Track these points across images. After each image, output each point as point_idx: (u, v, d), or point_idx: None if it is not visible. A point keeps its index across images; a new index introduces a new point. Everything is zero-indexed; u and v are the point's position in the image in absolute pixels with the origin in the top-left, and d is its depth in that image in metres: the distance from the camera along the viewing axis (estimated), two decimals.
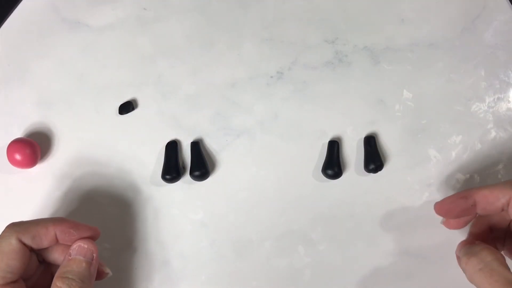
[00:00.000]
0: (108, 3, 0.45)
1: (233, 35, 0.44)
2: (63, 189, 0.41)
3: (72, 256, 0.33)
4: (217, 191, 0.41)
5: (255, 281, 0.39)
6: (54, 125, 0.42)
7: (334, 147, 0.41)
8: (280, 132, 0.42)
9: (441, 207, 0.36)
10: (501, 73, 0.43)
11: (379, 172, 0.41)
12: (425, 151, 0.41)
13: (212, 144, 0.42)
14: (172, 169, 0.40)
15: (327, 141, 0.42)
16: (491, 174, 0.41)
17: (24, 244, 0.32)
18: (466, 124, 0.42)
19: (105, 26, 0.44)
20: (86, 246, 0.33)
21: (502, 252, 0.36)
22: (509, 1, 0.45)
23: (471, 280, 0.31)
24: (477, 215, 0.35)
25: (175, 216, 0.40)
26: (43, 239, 0.33)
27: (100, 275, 0.35)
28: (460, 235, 0.39)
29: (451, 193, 0.40)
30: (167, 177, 0.40)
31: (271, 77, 0.43)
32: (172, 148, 0.41)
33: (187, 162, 0.41)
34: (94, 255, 0.33)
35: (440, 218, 0.37)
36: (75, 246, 0.33)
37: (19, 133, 0.42)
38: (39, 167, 0.41)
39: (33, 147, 0.40)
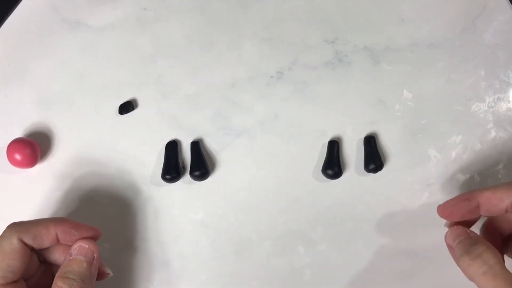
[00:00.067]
0: (108, 3, 0.45)
1: (233, 35, 0.44)
2: (63, 189, 0.41)
3: (73, 256, 0.33)
4: (217, 191, 0.41)
5: (255, 281, 0.39)
6: (54, 125, 0.42)
7: (334, 147, 0.41)
8: (280, 132, 0.42)
9: (444, 210, 0.35)
10: (501, 73, 0.43)
11: (379, 172, 0.41)
12: (425, 151, 0.41)
13: (212, 144, 0.42)
14: (172, 169, 0.40)
15: (327, 141, 0.42)
16: (491, 174, 0.41)
17: (25, 244, 0.32)
18: (466, 124, 0.42)
19: (105, 26, 0.44)
20: (87, 246, 0.33)
21: (506, 255, 0.36)
22: (509, 1, 0.45)
23: (471, 279, 0.31)
24: (481, 216, 0.35)
25: (175, 216, 0.40)
26: (44, 239, 0.33)
27: (100, 275, 0.35)
28: None
29: (451, 193, 0.40)
30: (167, 177, 0.40)
31: (271, 77, 0.43)
32: (172, 148, 0.41)
33: (187, 162, 0.41)
34: (95, 255, 0.33)
35: (443, 220, 0.36)
36: (76, 246, 0.33)
37: (19, 133, 0.42)
38: (39, 167, 0.41)
39: (33, 147, 0.40)
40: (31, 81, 0.43)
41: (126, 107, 0.42)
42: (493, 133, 0.42)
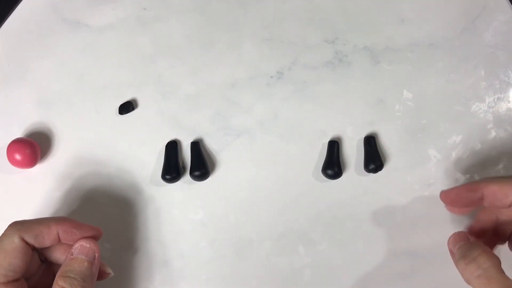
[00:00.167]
0: (108, 3, 0.45)
1: (233, 35, 0.44)
2: (63, 189, 0.41)
3: (74, 255, 0.33)
4: (217, 191, 0.41)
5: (255, 281, 0.39)
6: (54, 125, 0.42)
7: (334, 147, 0.41)
8: (280, 132, 0.42)
9: (446, 196, 0.36)
10: (501, 73, 0.43)
11: (379, 172, 0.41)
12: (425, 151, 0.41)
13: (212, 144, 0.42)
14: (172, 169, 0.40)
15: (327, 141, 0.42)
16: (491, 174, 0.41)
17: (27, 243, 0.32)
18: (466, 124, 0.42)
19: (105, 26, 0.44)
20: (88, 245, 0.33)
21: (506, 244, 0.36)
22: (509, 1, 0.45)
23: (467, 283, 0.32)
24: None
25: (175, 216, 0.40)
26: (46, 238, 0.33)
27: (101, 275, 0.35)
28: None
29: None
30: (167, 177, 0.40)
31: (271, 77, 0.43)
32: (172, 148, 0.41)
33: (187, 162, 0.41)
34: (96, 254, 0.33)
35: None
36: (77, 245, 0.33)
37: (19, 133, 0.42)
38: (39, 167, 0.41)
39: (33, 147, 0.40)
40: (31, 81, 0.43)
41: (126, 107, 0.42)
42: (493, 133, 0.42)
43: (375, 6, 0.45)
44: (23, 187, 0.41)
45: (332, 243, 0.40)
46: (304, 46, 0.44)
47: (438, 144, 0.42)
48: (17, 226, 0.32)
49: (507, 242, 0.36)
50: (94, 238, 0.34)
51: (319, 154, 0.42)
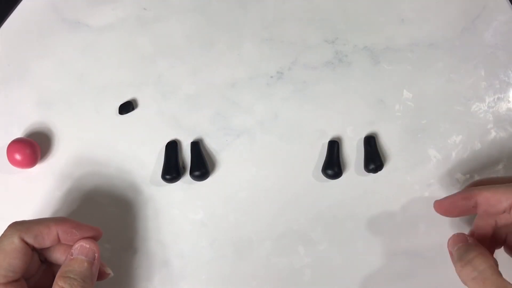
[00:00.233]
0: (108, 3, 0.45)
1: (233, 35, 0.44)
2: (63, 189, 0.41)
3: (74, 255, 0.33)
4: (217, 191, 0.41)
5: (255, 281, 0.39)
6: (54, 125, 0.42)
7: (334, 147, 0.41)
8: (280, 132, 0.42)
9: (440, 206, 0.36)
10: (501, 73, 0.43)
11: (379, 172, 0.41)
12: (425, 151, 0.41)
13: (212, 144, 0.42)
14: (172, 169, 0.40)
15: (327, 141, 0.42)
16: (491, 174, 0.41)
17: (26, 243, 0.32)
18: (466, 124, 0.42)
19: (105, 26, 0.44)
20: (88, 246, 0.33)
21: (503, 248, 0.36)
22: (509, 1, 0.45)
23: (465, 284, 0.32)
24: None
25: (175, 216, 0.40)
26: (45, 239, 0.33)
27: (101, 275, 0.35)
28: None
29: (451, 193, 0.40)
30: (167, 177, 0.40)
31: (271, 77, 0.43)
32: (172, 148, 0.41)
33: (187, 162, 0.41)
34: (96, 255, 0.33)
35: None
36: (77, 245, 0.33)
37: (19, 133, 0.42)
38: (39, 167, 0.41)
39: (33, 147, 0.40)
40: (31, 81, 0.43)
41: (126, 107, 0.42)
42: (493, 133, 0.42)
43: (375, 6, 0.45)
44: (23, 187, 0.41)
45: (332, 243, 0.40)
46: (304, 46, 0.44)
47: (438, 144, 0.42)
48: (17, 226, 0.32)
49: (503, 246, 0.36)
50: (94, 238, 0.34)
51: (319, 154, 0.42)
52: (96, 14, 0.44)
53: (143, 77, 0.43)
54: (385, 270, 0.39)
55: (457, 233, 0.35)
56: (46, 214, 0.40)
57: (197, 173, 0.40)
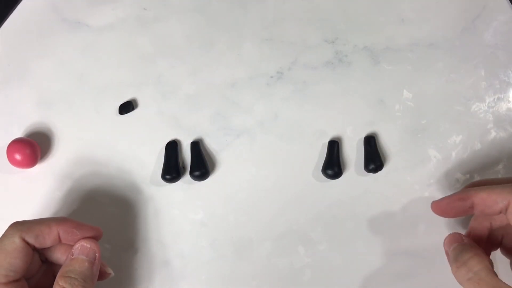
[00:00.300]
0: (108, 3, 0.45)
1: (233, 35, 0.44)
2: (63, 189, 0.41)
3: (75, 255, 0.33)
4: (217, 191, 0.41)
5: (255, 281, 0.39)
6: (54, 125, 0.42)
7: (334, 147, 0.41)
8: (280, 132, 0.42)
9: (437, 207, 0.36)
10: (501, 73, 0.43)
11: (379, 172, 0.41)
12: (425, 151, 0.41)
13: (212, 144, 0.42)
14: (172, 169, 0.40)
15: (327, 141, 0.42)
16: (491, 174, 0.41)
17: (27, 243, 0.32)
18: (466, 124, 0.42)
19: (105, 26, 0.44)
20: (88, 245, 0.33)
21: (499, 249, 0.36)
22: (509, 1, 0.45)
23: (461, 285, 0.32)
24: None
25: (175, 216, 0.40)
26: (46, 238, 0.33)
27: (102, 275, 0.35)
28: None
29: (451, 193, 0.40)
30: (167, 177, 0.40)
31: (271, 77, 0.43)
32: (172, 148, 0.41)
33: (187, 162, 0.41)
34: (97, 254, 0.33)
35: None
36: (77, 245, 0.33)
37: (19, 133, 0.42)
38: (39, 167, 0.41)
39: (33, 147, 0.40)
40: (31, 81, 0.43)
41: (126, 107, 0.42)
42: (493, 133, 0.42)
43: (375, 6, 0.45)
44: (23, 187, 0.41)
45: (332, 243, 0.40)
46: (304, 46, 0.44)
47: (438, 144, 0.42)
48: (18, 226, 0.32)
49: (499, 247, 0.36)
50: (95, 238, 0.34)
51: (319, 154, 0.42)
52: (96, 14, 0.44)
53: (143, 77, 0.43)
54: (385, 270, 0.39)
55: (453, 233, 0.35)
56: (46, 214, 0.40)
57: (197, 173, 0.40)
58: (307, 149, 0.42)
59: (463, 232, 0.37)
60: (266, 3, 0.45)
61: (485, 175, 0.41)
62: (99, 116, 0.42)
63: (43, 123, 0.42)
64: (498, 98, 0.43)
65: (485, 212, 0.34)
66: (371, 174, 0.41)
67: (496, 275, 0.31)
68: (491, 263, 0.32)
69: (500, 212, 0.33)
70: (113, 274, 0.36)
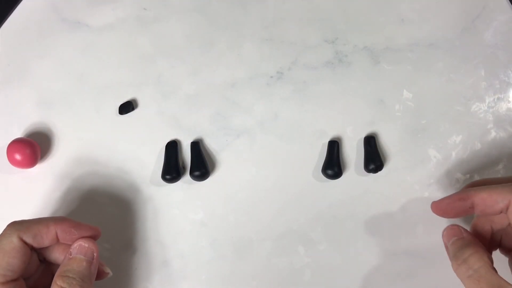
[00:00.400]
0: (108, 3, 0.45)
1: (233, 35, 0.44)
2: (63, 189, 0.41)
3: (73, 255, 0.33)
4: (217, 191, 0.41)
5: (255, 281, 0.39)
6: (54, 125, 0.42)
7: (334, 147, 0.41)
8: (280, 132, 0.42)
9: (437, 207, 0.36)
10: (501, 73, 0.43)
11: (379, 172, 0.41)
12: (425, 151, 0.41)
13: (212, 144, 0.42)
14: (172, 169, 0.40)
15: (327, 141, 0.42)
16: (491, 174, 0.41)
17: (25, 243, 0.32)
18: (466, 124, 0.42)
19: (105, 26, 0.44)
20: (87, 245, 0.33)
21: (498, 250, 0.36)
22: (509, 1, 0.45)
23: (461, 281, 0.32)
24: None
25: (175, 216, 0.40)
26: (44, 238, 0.33)
27: (100, 275, 0.35)
28: None
29: (451, 193, 0.40)
30: (167, 177, 0.40)
31: (271, 77, 0.43)
32: (172, 148, 0.41)
33: (187, 162, 0.41)
34: (95, 254, 0.33)
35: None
36: (75, 245, 0.33)
37: (19, 133, 0.42)
38: (39, 167, 0.41)
39: (33, 147, 0.40)
40: (31, 81, 0.43)
41: (126, 107, 0.42)
42: (493, 133, 0.42)
43: (375, 6, 0.45)
44: (23, 187, 0.41)
45: (332, 243, 0.40)
46: (304, 46, 0.44)
47: (438, 144, 0.42)
48: (16, 226, 0.32)
49: (499, 248, 0.36)
50: (93, 238, 0.34)
51: (319, 154, 0.41)
52: (96, 14, 0.45)
53: (143, 77, 0.43)
54: (385, 270, 0.39)
55: (451, 225, 0.35)
56: (45, 214, 0.40)
57: (197, 173, 0.40)
58: (307, 149, 0.42)
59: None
60: (266, 3, 0.45)
61: (485, 175, 0.41)
62: (99, 116, 0.42)
63: (43, 123, 0.42)
64: (498, 98, 0.43)
65: (485, 212, 0.34)
66: (371, 174, 0.41)
67: (496, 271, 0.31)
68: (491, 260, 0.32)
69: (501, 212, 0.33)
70: (111, 273, 0.35)
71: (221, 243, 0.40)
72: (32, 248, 0.33)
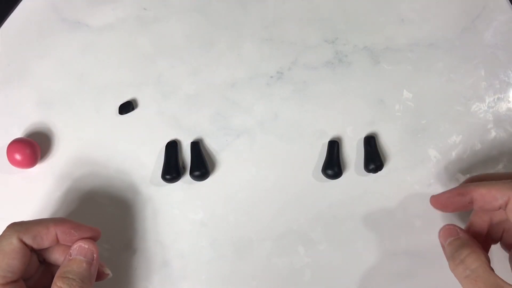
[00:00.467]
0: (108, 3, 0.45)
1: (233, 35, 0.44)
2: (63, 189, 0.41)
3: (73, 256, 0.33)
4: (217, 191, 0.41)
5: (255, 281, 0.39)
6: (54, 125, 0.42)
7: (334, 147, 0.41)
8: (280, 132, 0.42)
9: (437, 201, 0.36)
10: (501, 73, 0.43)
11: (379, 172, 0.41)
12: (425, 151, 0.41)
13: (212, 144, 0.42)
14: (172, 169, 0.40)
15: (327, 141, 0.42)
16: None
17: (25, 244, 0.32)
18: (466, 124, 0.42)
19: (105, 26, 0.44)
20: (86, 246, 0.33)
21: (499, 244, 0.36)
22: (509, 1, 0.45)
23: (459, 281, 0.32)
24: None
25: (175, 216, 0.40)
26: (44, 239, 0.33)
27: (100, 276, 0.35)
28: None
29: None
30: (167, 177, 0.40)
31: (271, 77, 0.43)
32: (172, 148, 0.41)
33: (187, 162, 0.41)
34: (95, 255, 0.33)
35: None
36: (75, 246, 0.33)
37: (19, 133, 0.42)
38: (39, 167, 0.41)
39: (33, 147, 0.40)
40: (31, 81, 0.43)
41: (126, 107, 0.42)
42: (493, 133, 0.42)
43: (375, 6, 0.45)
44: (23, 187, 0.41)
45: (332, 243, 0.40)
46: (304, 46, 0.44)
47: (438, 144, 0.42)
48: (16, 227, 0.32)
49: (499, 242, 0.36)
50: (93, 239, 0.34)
51: (319, 154, 0.42)
52: (96, 14, 0.45)
53: (143, 77, 0.43)
54: (385, 270, 0.39)
55: (448, 225, 0.35)
56: (45, 214, 0.40)
57: (197, 173, 0.40)
58: (307, 149, 0.42)
59: (462, 226, 0.36)
60: (266, 3, 0.45)
61: None
62: (99, 116, 0.42)
63: (43, 123, 0.42)
64: (498, 98, 0.43)
65: (484, 208, 0.34)
66: (371, 174, 0.41)
67: (493, 271, 0.31)
68: (488, 259, 0.32)
69: (500, 208, 0.33)
70: (111, 274, 0.35)
71: (221, 243, 0.40)
72: (32, 249, 0.33)
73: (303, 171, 0.41)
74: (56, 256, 0.34)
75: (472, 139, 0.42)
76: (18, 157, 0.39)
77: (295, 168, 0.41)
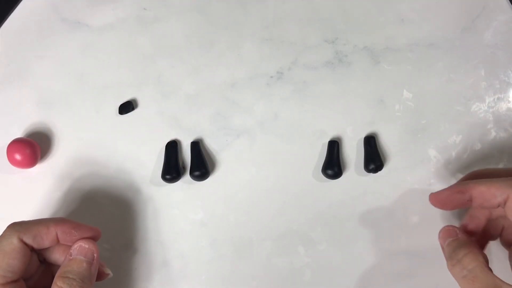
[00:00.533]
0: (108, 3, 0.45)
1: (233, 35, 0.44)
2: (63, 189, 0.41)
3: (73, 256, 0.33)
4: (217, 191, 0.41)
5: (255, 281, 0.39)
6: (54, 125, 0.42)
7: (334, 147, 0.41)
8: (280, 132, 0.42)
9: (436, 199, 0.36)
10: (501, 73, 0.43)
11: (379, 172, 0.41)
12: (425, 151, 0.41)
13: (212, 144, 0.42)
14: (172, 169, 0.40)
15: (327, 141, 0.42)
16: None
17: (25, 244, 0.32)
18: (466, 124, 0.42)
19: (105, 26, 0.44)
20: (87, 246, 0.33)
21: (498, 240, 0.36)
22: (509, 1, 0.45)
23: (457, 281, 0.32)
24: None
25: (175, 216, 0.40)
26: (44, 239, 0.33)
27: (100, 275, 0.35)
28: None
29: None
30: (167, 177, 0.40)
31: (271, 77, 0.43)
32: (172, 148, 0.41)
33: (187, 162, 0.41)
34: (95, 255, 0.33)
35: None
36: (76, 246, 0.33)
37: (19, 133, 0.42)
38: (39, 167, 0.41)
39: (33, 147, 0.40)
40: (31, 81, 0.43)
41: (126, 107, 0.42)
42: (493, 133, 0.42)
43: (375, 6, 0.45)
44: (23, 187, 0.41)
45: (332, 243, 0.40)
46: (304, 46, 0.44)
47: (438, 144, 0.42)
48: (16, 227, 0.32)
49: (498, 238, 0.36)
50: (93, 238, 0.34)
51: (319, 154, 0.42)
52: (96, 14, 0.45)
53: (143, 77, 0.43)
54: (385, 270, 0.39)
55: (447, 226, 0.35)
56: (45, 214, 0.40)
57: (197, 173, 0.40)
58: (307, 149, 0.42)
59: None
60: (266, 3, 0.45)
61: None
62: (99, 116, 0.42)
63: (43, 123, 0.42)
64: (498, 98, 0.43)
65: (483, 206, 0.34)
66: (371, 174, 0.41)
67: (491, 271, 0.31)
68: (486, 259, 0.32)
69: (499, 206, 0.33)
70: (111, 274, 0.35)
71: (221, 243, 0.40)
72: (32, 249, 0.33)
73: (303, 171, 0.41)
74: (57, 256, 0.34)
75: (472, 139, 0.42)
76: (18, 157, 0.39)
77: (295, 168, 0.41)
